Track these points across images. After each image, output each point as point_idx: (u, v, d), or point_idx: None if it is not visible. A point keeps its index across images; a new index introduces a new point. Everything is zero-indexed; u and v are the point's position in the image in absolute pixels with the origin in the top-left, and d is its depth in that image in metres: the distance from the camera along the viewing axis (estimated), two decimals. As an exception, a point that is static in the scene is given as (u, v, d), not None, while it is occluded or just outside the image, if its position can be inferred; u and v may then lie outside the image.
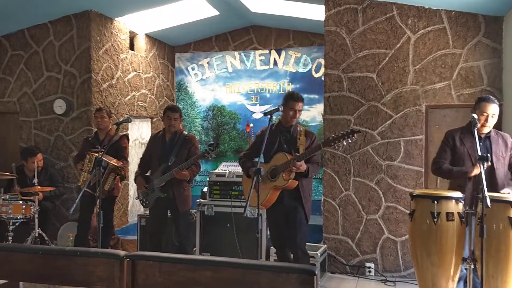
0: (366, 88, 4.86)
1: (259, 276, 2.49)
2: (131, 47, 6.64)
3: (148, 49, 7.00)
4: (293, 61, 7.12)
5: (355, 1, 4.86)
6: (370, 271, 4.76)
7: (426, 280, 3.32)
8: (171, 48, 7.66)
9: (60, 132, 5.87)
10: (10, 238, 4.66)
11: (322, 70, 6.53)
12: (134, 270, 2.62)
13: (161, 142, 4.39)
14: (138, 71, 6.72)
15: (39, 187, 4.80)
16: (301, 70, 7.10)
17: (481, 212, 2.92)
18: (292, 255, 3.78)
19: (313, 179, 4.11)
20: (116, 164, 4.58)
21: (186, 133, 4.47)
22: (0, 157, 5.93)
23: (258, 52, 7.29)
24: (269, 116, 3.51)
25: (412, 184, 4.70)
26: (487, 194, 2.86)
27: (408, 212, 3.77)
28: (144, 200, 4.40)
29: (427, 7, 4.68)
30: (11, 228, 4.67)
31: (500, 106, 4.47)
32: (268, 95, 7.25)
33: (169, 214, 4.44)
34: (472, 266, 3.20)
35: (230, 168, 5.09)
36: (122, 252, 2.66)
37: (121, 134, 4.94)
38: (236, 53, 7.39)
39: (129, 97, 6.48)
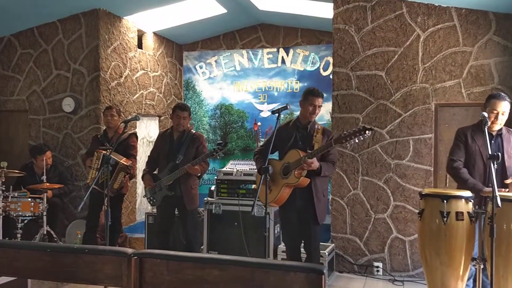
0: (375, 86, 4.82)
1: (267, 275, 2.48)
2: (139, 45, 6.65)
3: (156, 47, 7.01)
4: (301, 59, 7.09)
5: (364, -1, 4.83)
6: (378, 271, 4.73)
7: (435, 280, 3.29)
8: (179, 46, 7.67)
9: (69, 130, 5.90)
10: (18, 235, 4.69)
11: (330, 68, 6.50)
12: (142, 268, 2.62)
13: (169, 140, 4.39)
14: (146, 69, 6.74)
15: (47, 184, 4.82)
16: (309, 68, 7.07)
17: (491, 211, 2.88)
18: (306, 256, 3.77)
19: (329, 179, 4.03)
20: (125, 163, 4.59)
21: (194, 131, 4.47)
22: (9, 155, 5.97)
23: (266, 50, 7.27)
24: (277, 114, 3.49)
25: (421, 183, 4.66)
26: (497, 193, 2.82)
27: (416, 211, 3.74)
28: (151, 198, 4.41)
29: (437, 4, 4.63)
30: (19, 225, 4.70)
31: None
32: (276, 94, 7.23)
33: (176, 212, 4.44)
34: (482, 266, 3.16)
35: (238, 167, 5.08)
36: (129, 250, 2.67)
37: (130, 132, 4.96)
38: (244, 52, 7.38)
39: (137, 95, 6.50)
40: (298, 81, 7.12)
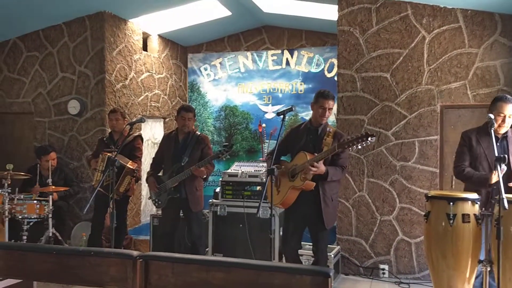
0: (380, 88, 4.81)
1: (272, 278, 2.47)
2: (144, 48, 6.67)
3: (161, 49, 7.03)
4: (306, 61, 7.08)
5: (368, 1, 4.82)
6: (384, 273, 4.71)
7: (441, 282, 3.27)
8: (183, 48, 7.68)
9: (74, 132, 5.92)
10: (24, 237, 4.70)
11: (335, 70, 6.49)
12: (147, 270, 2.62)
13: (174, 142, 4.40)
14: (151, 71, 6.75)
15: (53, 186, 4.84)
16: (313, 70, 7.07)
17: (498, 213, 2.86)
18: (314, 258, 3.75)
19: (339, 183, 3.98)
20: (131, 167, 4.60)
21: (199, 133, 4.48)
22: (15, 157, 5.99)
23: (270, 52, 7.27)
24: (282, 116, 3.48)
25: (427, 185, 4.63)
26: (504, 195, 2.80)
27: (422, 213, 3.72)
28: (156, 200, 4.41)
29: (442, 6, 4.62)
30: (25, 227, 4.71)
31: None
32: (280, 95, 7.23)
33: (181, 214, 4.44)
34: (489, 269, 3.14)
35: (243, 168, 5.07)
36: (135, 253, 2.67)
37: (135, 134, 4.97)
38: (248, 53, 7.38)
39: (142, 97, 6.51)
40: (302, 83, 7.11)
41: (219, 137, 7.55)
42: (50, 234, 4.79)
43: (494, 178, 3.29)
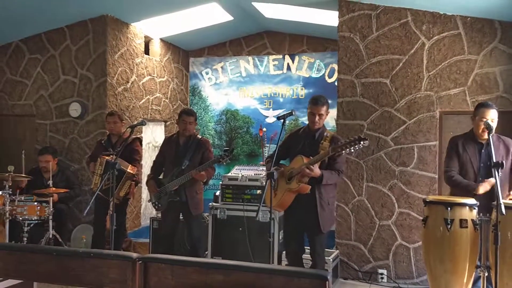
0: (380, 93, 4.84)
1: (271, 281, 2.49)
2: (146, 51, 6.71)
3: (163, 53, 7.08)
4: (307, 66, 7.13)
5: (369, 7, 4.85)
6: (382, 278, 4.72)
7: (439, 287, 3.28)
8: (185, 52, 7.73)
9: (75, 135, 5.95)
10: (25, 239, 4.72)
11: (335, 75, 6.52)
12: (147, 272, 2.64)
13: (175, 145, 4.42)
14: (152, 75, 6.79)
15: (53, 188, 4.86)
16: (314, 75, 7.10)
17: (495, 219, 2.88)
18: (311, 262, 3.78)
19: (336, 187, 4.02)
20: (132, 172, 4.62)
21: (200, 137, 4.50)
22: (17, 159, 6.02)
23: (271, 57, 7.32)
24: (282, 120, 3.52)
25: (426, 191, 4.65)
26: (502, 201, 2.83)
27: (421, 218, 3.74)
28: (156, 203, 4.43)
29: (442, 12, 4.65)
30: (26, 229, 4.73)
31: (516, 112, 4.42)
32: (281, 100, 7.27)
33: (181, 217, 4.46)
34: (486, 274, 3.16)
35: (243, 172, 5.10)
36: (134, 255, 2.69)
37: (134, 137, 4.99)
38: (250, 58, 7.43)
39: (143, 100, 6.55)
40: (303, 88, 7.15)
41: (220, 141, 7.58)
42: (50, 236, 4.80)
43: (480, 190, 3.35)
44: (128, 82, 6.19)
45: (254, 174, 4.94)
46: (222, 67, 7.57)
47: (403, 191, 4.74)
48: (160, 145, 4.85)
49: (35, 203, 4.80)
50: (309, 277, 2.42)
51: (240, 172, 5.09)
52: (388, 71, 4.81)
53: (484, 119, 3.42)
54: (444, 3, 4.54)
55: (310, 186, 3.53)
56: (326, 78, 7.03)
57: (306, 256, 4.05)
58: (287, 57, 7.23)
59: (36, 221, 4.82)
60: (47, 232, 4.80)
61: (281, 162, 3.89)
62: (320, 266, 3.71)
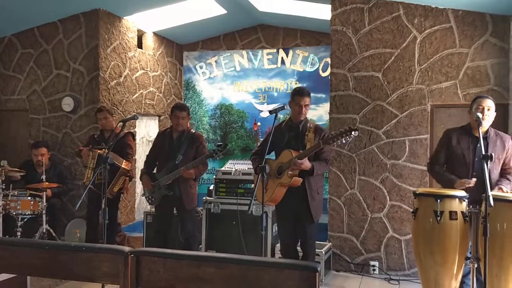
0: (372, 87, 4.86)
1: (262, 273, 2.51)
2: (139, 45, 6.69)
3: (156, 47, 7.06)
4: (301, 60, 7.13)
5: (361, 1, 4.86)
6: (374, 270, 4.77)
7: (429, 278, 3.33)
8: (179, 46, 7.71)
9: (68, 129, 5.94)
10: (18, 233, 4.73)
11: (329, 69, 6.53)
12: (139, 266, 2.66)
13: (169, 139, 4.42)
14: (146, 69, 6.78)
15: (47, 183, 4.86)
16: (308, 69, 7.11)
17: (484, 211, 2.92)
18: (302, 254, 3.81)
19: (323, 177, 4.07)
20: (126, 168, 4.61)
21: (194, 131, 4.51)
22: (10, 154, 6.01)
23: (266, 51, 7.31)
24: (274, 114, 3.53)
25: (417, 183, 4.69)
26: (490, 193, 2.86)
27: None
28: (150, 197, 4.44)
29: (433, 6, 4.67)
30: (19, 223, 4.74)
31: (507, 105, 4.47)
32: (275, 94, 7.27)
33: (175, 212, 4.48)
34: (476, 265, 3.20)
35: (237, 166, 5.12)
36: (126, 248, 2.70)
37: (126, 131, 4.98)
38: (244, 52, 7.42)
39: (136, 95, 6.54)
40: (297, 82, 7.16)
41: (215, 135, 7.59)
42: (44, 231, 4.81)
43: (460, 186, 3.39)
44: (121, 76, 6.17)
45: (248, 168, 4.96)
46: (216, 61, 7.57)
47: (394, 184, 4.78)
48: (154, 139, 4.84)
49: (29, 198, 4.80)
50: (299, 268, 2.45)
51: (234, 166, 5.11)
52: (380, 65, 4.83)
53: (481, 107, 3.44)
54: (436, -3, 4.56)
55: (302, 179, 3.56)
56: (320, 72, 7.04)
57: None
58: (281, 51, 7.23)
59: (30, 216, 4.82)
60: (41, 227, 4.80)
61: (267, 157, 3.90)
62: (311, 257, 3.75)
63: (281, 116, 3.80)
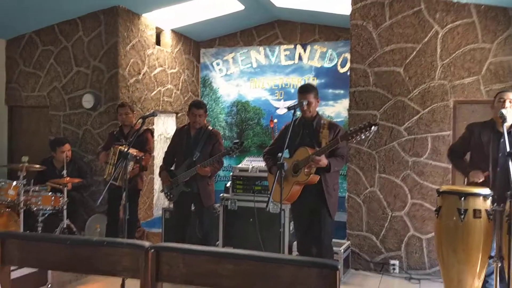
0: (393, 82, 4.78)
1: (280, 270, 2.49)
2: (158, 42, 6.72)
3: (174, 44, 7.08)
4: (319, 56, 7.07)
5: (381, -5, 4.79)
6: (394, 269, 4.70)
7: (451, 277, 3.26)
8: (196, 43, 7.72)
9: (88, 126, 6.01)
10: (39, 229, 4.78)
11: (348, 65, 6.47)
12: (159, 261, 2.66)
13: (186, 136, 4.43)
14: (164, 66, 6.81)
15: (68, 178, 4.91)
16: (326, 65, 7.05)
17: (509, 209, 2.84)
18: (315, 251, 3.76)
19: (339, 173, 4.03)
20: (134, 153, 4.64)
21: (211, 128, 4.51)
22: (31, 150, 6.10)
23: (283, 47, 7.27)
24: (292, 110, 3.50)
25: (439, 181, 4.61)
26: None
27: (434, 209, 3.70)
28: (169, 193, 4.46)
29: (455, 1, 4.57)
30: (40, 219, 4.79)
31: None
32: (292, 91, 7.23)
33: (193, 208, 4.49)
34: (500, 264, 3.12)
35: (254, 163, 5.10)
36: (146, 243, 2.71)
37: (145, 128, 5.02)
38: (261, 48, 7.39)
39: (155, 92, 6.57)
40: (315, 78, 7.10)
41: (231, 132, 7.58)
42: (65, 226, 4.87)
43: (471, 177, 3.34)
44: (139, 73, 6.21)
45: (265, 166, 4.93)
46: (233, 58, 7.56)
47: (416, 181, 4.70)
48: (172, 136, 4.86)
49: (50, 193, 4.85)
50: (319, 266, 2.42)
51: (251, 163, 5.09)
52: (401, 60, 4.75)
53: (502, 99, 3.38)
54: (459, -9, 4.46)
55: (319, 177, 3.52)
56: (339, 67, 6.97)
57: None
58: (298, 46, 7.18)
59: (51, 211, 4.88)
60: (61, 222, 4.86)
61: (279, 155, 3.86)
62: (329, 255, 3.71)
63: (298, 113, 3.75)
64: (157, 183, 6.54)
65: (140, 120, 4.00)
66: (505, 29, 4.46)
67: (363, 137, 3.29)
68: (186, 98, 7.39)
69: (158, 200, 6.73)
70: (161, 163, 4.70)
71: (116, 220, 4.96)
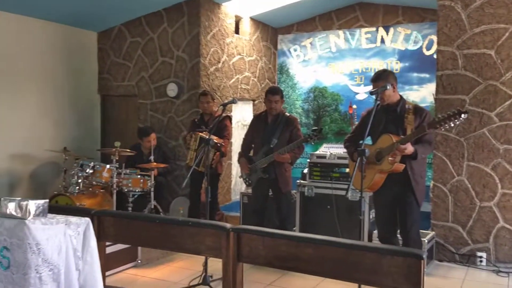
0: (484, 66, 4.45)
1: (362, 257, 2.47)
2: (236, 31, 6.84)
3: (252, 32, 7.16)
4: (402, 38, 6.76)
5: (473, -29, 4.45)
6: (481, 261, 4.44)
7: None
8: (274, 30, 7.74)
9: (172, 113, 6.31)
10: (129, 209, 5.15)
11: (434, 47, 6.12)
12: (239, 242, 2.77)
13: (264, 123, 4.48)
14: (242, 54, 6.92)
15: (155, 163, 5.22)
16: (410, 47, 6.73)
17: None
18: (401, 241, 3.66)
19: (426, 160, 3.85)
20: (215, 141, 4.80)
21: (288, 114, 4.52)
22: (121, 136, 6.55)
23: (364, 30, 7.05)
24: (375, 95, 3.39)
25: (535, 171, 4.24)
26: None
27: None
28: (247, 179, 4.57)
29: (561, -29, 4.12)
30: (130, 199, 5.16)
31: None
32: (373, 75, 6.99)
33: (270, 194, 4.56)
34: None
35: (331, 150, 5.04)
36: (228, 225, 2.83)
37: (224, 115, 5.17)
38: (340, 32, 7.23)
39: (233, 80, 6.72)
40: (398, 61, 6.82)
41: (307, 119, 7.54)
42: (152, 206, 5.19)
43: None
44: (219, 62, 6.38)
45: (343, 152, 4.86)
46: (311, 43, 7.47)
47: (507, 170, 4.36)
48: (249, 123, 4.95)
49: (138, 176, 5.20)
50: (403, 255, 2.37)
51: (329, 150, 5.04)
52: (493, 42, 4.40)
53: None
54: None
55: (404, 165, 3.39)
56: (424, 50, 6.62)
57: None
58: (381, 29, 6.92)
59: (140, 193, 5.22)
60: (149, 203, 5.19)
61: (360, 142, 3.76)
62: (418, 244, 3.57)
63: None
64: (235, 168, 6.72)
65: (221, 107, 4.14)
66: None
67: (452, 125, 3.12)
68: (263, 85, 7.47)
69: (236, 185, 6.91)
70: (238, 150, 4.82)
71: (198, 203, 5.22)
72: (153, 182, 5.17)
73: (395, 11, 6.85)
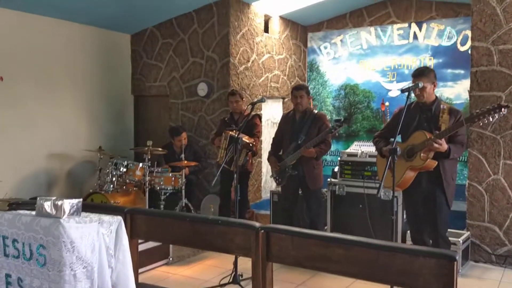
0: (522, 60, 4.28)
1: (393, 258, 2.43)
2: (266, 29, 6.84)
3: (281, 30, 7.14)
4: (436, 34, 6.59)
5: (510, -38, 4.28)
6: (520, 264, 4.28)
7: None
8: (303, 28, 7.70)
9: (203, 112, 6.38)
10: (161, 206, 5.25)
11: (469, 42, 5.94)
12: (269, 241, 2.77)
13: (292, 121, 4.49)
14: (271, 53, 6.92)
15: (186, 162, 5.30)
16: (444, 43, 6.54)
17: None
18: (431, 241, 3.58)
19: (458, 162, 3.78)
20: (247, 141, 4.83)
21: (316, 111, 4.50)
22: (154, 135, 6.68)
23: (396, 26, 6.90)
24: (406, 93, 3.33)
25: None
26: None
27: None
28: (277, 178, 4.57)
29: None
30: (162, 197, 5.26)
31: None
32: (406, 72, 6.85)
33: (300, 192, 4.54)
34: None
35: (363, 148, 4.97)
36: (257, 224, 2.83)
37: (253, 113, 5.19)
38: (371, 29, 7.11)
39: (262, 78, 6.73)
40: (432, 58, 6.65)
41: (338, 116, 7.45)
42: (183, 204, 5.27)
43: None
44: (248, 61, 6.40)
45: (375, 151, 4.78)
46: (341, 40, 7.39)
47: (549, 170, 4.19)
48: (279, 121, 4.95)
49: (170, 175, 5.29)
50: (435, 256, 2.31)
51: (360, 148, 4.97)
52: (532, 35, 4.23)
53: None
54: None
55: (436, 162, 3.32)
56: (458, 46, 6.43)
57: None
58: (413, 25, 6.76)
59: (171, 191, 5.32)
60: (180, 201, 5.27)
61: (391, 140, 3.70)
62: (447, 246, 3.50)
63: (412, 96, 3.54)
64: (265, 166, 6.73)
65: (250, 106, 4.16)
66: None
67: (491, 119, 3.04)
68: (292, 83, 7.44)
69: (266, 183, 6.93)
70: (268, 148, 4.83)
71: (228, 201, 5.26)
72: (184, 180, 5.24)
73: (428, 7, 6.68)
